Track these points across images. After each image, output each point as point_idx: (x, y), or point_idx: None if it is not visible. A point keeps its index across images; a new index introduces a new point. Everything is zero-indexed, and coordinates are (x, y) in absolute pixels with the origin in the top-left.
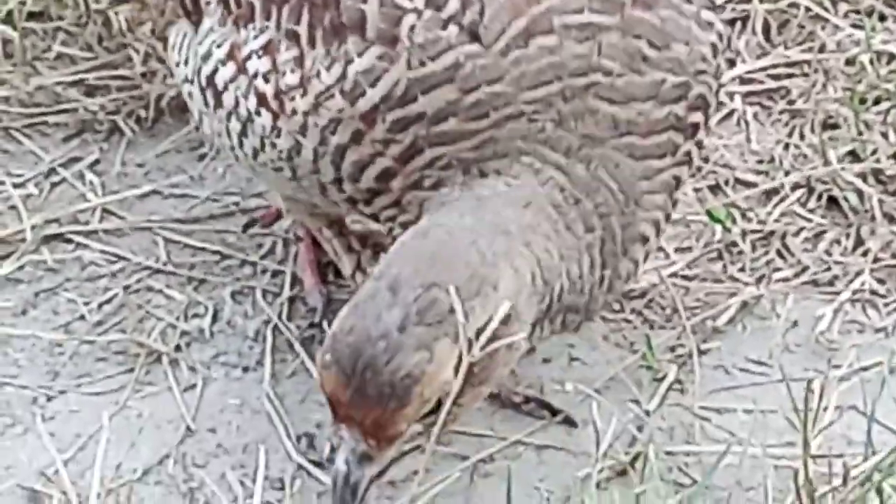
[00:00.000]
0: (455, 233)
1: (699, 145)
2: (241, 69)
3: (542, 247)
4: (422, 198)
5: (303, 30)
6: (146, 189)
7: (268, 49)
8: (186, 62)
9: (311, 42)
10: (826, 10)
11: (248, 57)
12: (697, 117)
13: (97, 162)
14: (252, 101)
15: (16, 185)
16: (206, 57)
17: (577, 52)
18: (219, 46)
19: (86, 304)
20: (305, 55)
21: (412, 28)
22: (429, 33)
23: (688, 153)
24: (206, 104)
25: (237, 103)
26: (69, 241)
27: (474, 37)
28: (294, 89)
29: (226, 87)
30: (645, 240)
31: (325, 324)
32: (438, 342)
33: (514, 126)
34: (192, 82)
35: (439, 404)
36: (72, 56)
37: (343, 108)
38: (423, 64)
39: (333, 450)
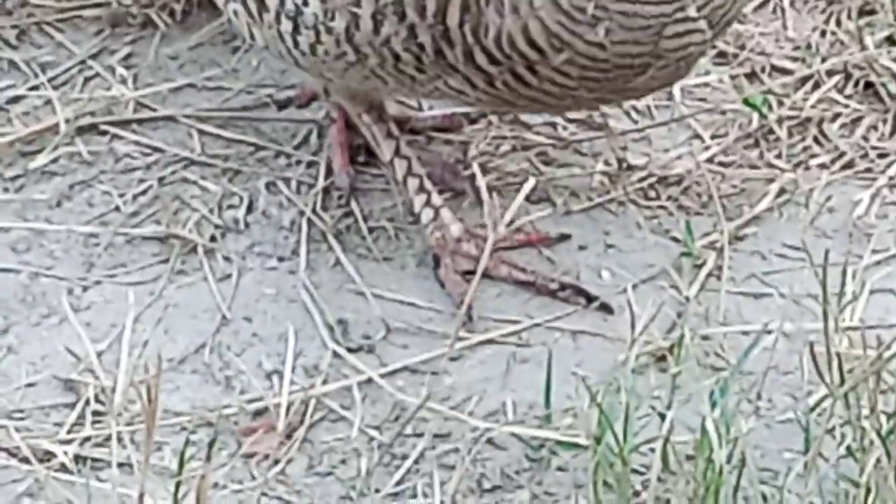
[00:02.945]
0: None
1: None
2: None
3: None
4: None
5: None
6: (180, 82)
7: None
8: None
9: None
10: None
11: None
12: None
13: (130, 55)
14: None
15: (50, 79)
16: None
17: None
18: None
19: (120, 195)
20: None
21: None
22: None
23: None
24: (252, 15)
25: (282, 1)
26: (104, 133)
27: None
28: None
29: None
30: None
31: (354, 207)
32: None
33: None
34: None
35: None
36: None
37: None
38: None
39: None
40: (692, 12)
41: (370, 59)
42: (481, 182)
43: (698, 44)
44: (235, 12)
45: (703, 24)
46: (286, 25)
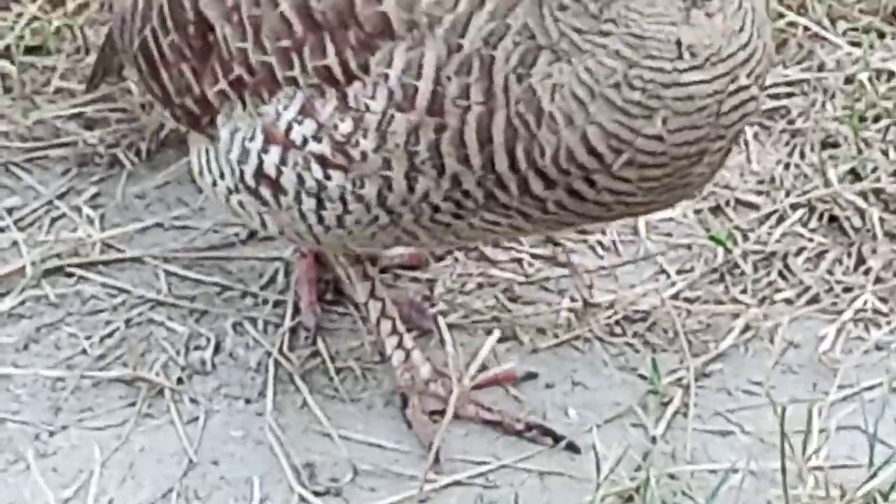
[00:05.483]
0: None
1: None
2: (288, 144)
3: None
4: None
5: (332, 60)
6: (147, 221)
7: (304, 111)
8: (222, 176)
9: (346, 72)
10: (825, 28)
11: (289, 128)
12: None
13: (97, 195)
14: (316, 169)
15: (16, 221)
16: (244, 157)
17: None
18: (252, 139)
19: (87, 338)
20: (347, 94)
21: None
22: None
23: None
24: (265, 202)
25: (301, 179)
26: (70, 275)
27: None
28: (352, 135)
29: (280, 172)
30: None
31: (321, 347)
32: None
33: None
34: (238, 191)
35: None
36: (70, 90)
37: (410, 117)
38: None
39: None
40: (744, 80)
41: (404, 216)
42: (444, 328)
43: (752, 112)
44: (241, 203)
45: (755, 89)
46: (309, 203)
